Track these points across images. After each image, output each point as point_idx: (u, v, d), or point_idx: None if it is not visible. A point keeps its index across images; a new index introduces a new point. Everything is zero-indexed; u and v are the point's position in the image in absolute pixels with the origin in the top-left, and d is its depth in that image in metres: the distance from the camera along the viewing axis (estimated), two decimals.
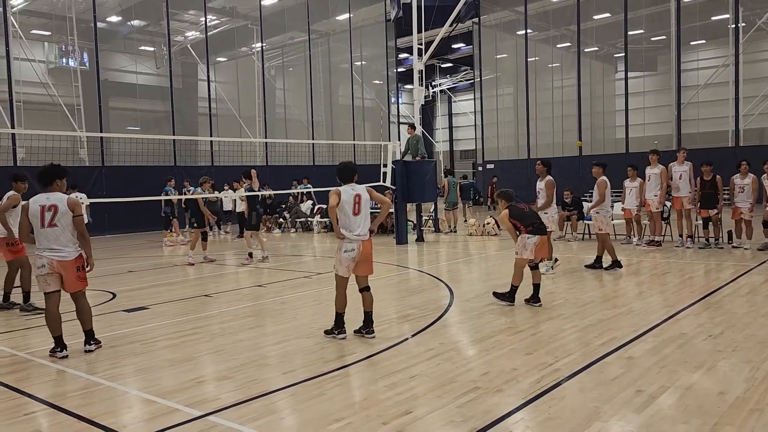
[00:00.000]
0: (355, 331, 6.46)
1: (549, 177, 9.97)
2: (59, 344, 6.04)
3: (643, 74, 30.90)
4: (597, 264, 10.48)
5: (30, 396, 4.93)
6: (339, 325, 6.41)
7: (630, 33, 29.08)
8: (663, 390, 4.58)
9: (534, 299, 7.78)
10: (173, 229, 17.41)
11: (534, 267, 7.91)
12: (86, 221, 15.17)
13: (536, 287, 7.84)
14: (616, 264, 10.27)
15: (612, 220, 14.59)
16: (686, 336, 6.06)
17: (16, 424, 4.36)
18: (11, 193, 8.20)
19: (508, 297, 7.77)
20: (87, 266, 6.22)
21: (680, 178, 12.57)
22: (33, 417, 4.52)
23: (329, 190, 6.29)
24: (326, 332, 6.52)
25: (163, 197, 16.29)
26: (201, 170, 23.64)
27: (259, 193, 13.38)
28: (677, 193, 12.58)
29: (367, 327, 6.39)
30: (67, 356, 6.00)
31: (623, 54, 29.49)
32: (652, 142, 27.53)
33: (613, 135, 30.40)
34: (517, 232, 7.82)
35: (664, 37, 29.53)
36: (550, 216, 9.92)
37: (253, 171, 13.23)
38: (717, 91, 27.47)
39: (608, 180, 10.63)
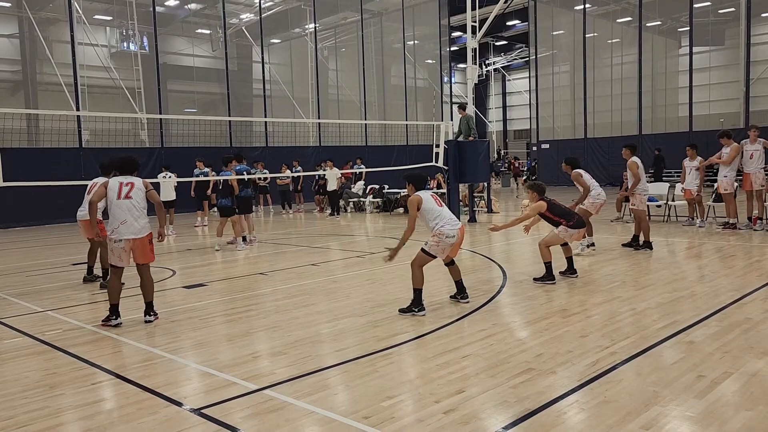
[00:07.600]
0: (451, 297, 7.10)
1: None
2: (114, 312, 6.50)
3: (709, 49, 29.39)
4: (634, 242, 10.56)
5: (97, 366, 5.17)
6: (418, 303, 6.52)
7: (695, 6, 27.74)
8: (726, 376, 4.42)
9: (570, 270, 8.25)
10: (203, 210, 17.44)
11: (563, 243, 8.28)
12: (173, 198, 15.65)
13: (569, 260, 8.30)
14: (647, 245, 10.33)
15: (674, 200, 14.32)
16: (752, 321, 5.82)
17: (84, 393, 4.58)
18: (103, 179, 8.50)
19: (548, 276, 7.99)
20: (159, 237, 6.79)
21: (751, 158, 12.06)
22: (100, 386, 4.74)
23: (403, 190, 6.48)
24: (402, 310, 6.56)
25: (196, 179, 16.10)
26: (255, 151, 24.05)
27: (251, 176, 12.93)
28: (748, 171, 12.10)
29: (461, 293, 6.99)
30: (121, 323, 6.44)
31: (688, 28, 28.16)
32: (718, 120, 26.33)
33: (676, 113, 29.20)
34: (557, 225, 8.10)
35: (732, 9, 28.01)
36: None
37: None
38: None
39: (639, 160, 10.54)
